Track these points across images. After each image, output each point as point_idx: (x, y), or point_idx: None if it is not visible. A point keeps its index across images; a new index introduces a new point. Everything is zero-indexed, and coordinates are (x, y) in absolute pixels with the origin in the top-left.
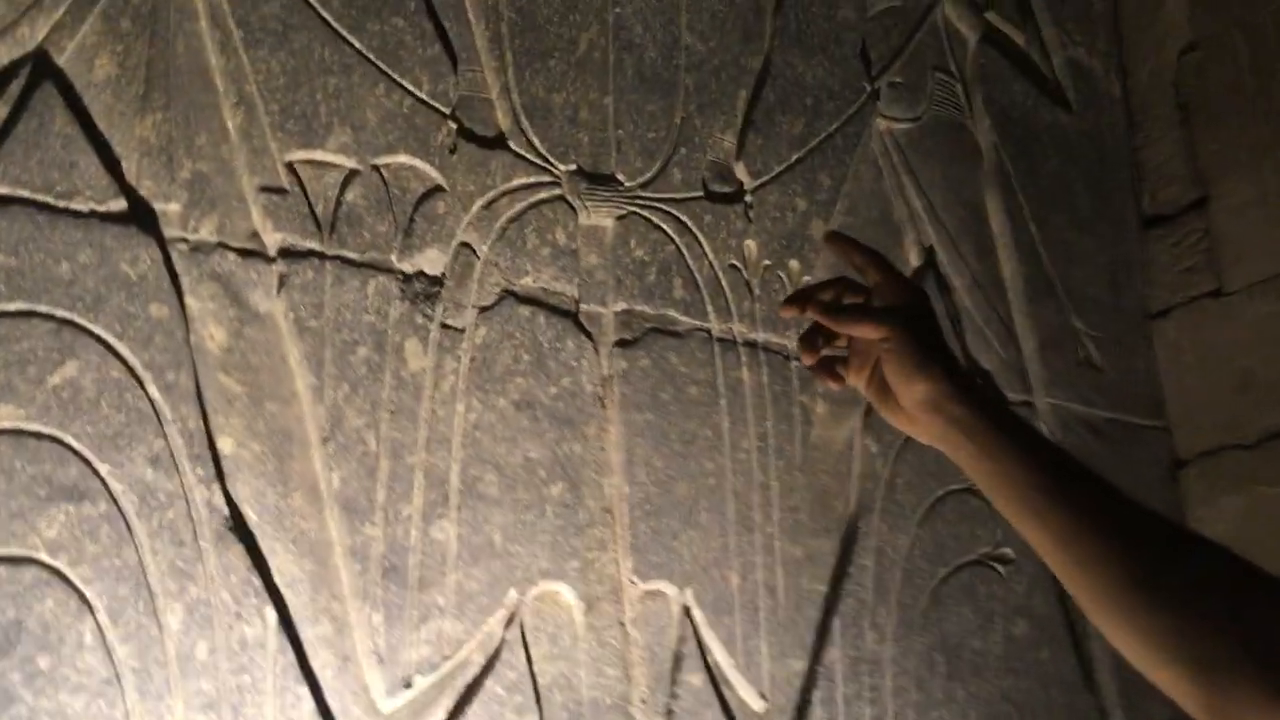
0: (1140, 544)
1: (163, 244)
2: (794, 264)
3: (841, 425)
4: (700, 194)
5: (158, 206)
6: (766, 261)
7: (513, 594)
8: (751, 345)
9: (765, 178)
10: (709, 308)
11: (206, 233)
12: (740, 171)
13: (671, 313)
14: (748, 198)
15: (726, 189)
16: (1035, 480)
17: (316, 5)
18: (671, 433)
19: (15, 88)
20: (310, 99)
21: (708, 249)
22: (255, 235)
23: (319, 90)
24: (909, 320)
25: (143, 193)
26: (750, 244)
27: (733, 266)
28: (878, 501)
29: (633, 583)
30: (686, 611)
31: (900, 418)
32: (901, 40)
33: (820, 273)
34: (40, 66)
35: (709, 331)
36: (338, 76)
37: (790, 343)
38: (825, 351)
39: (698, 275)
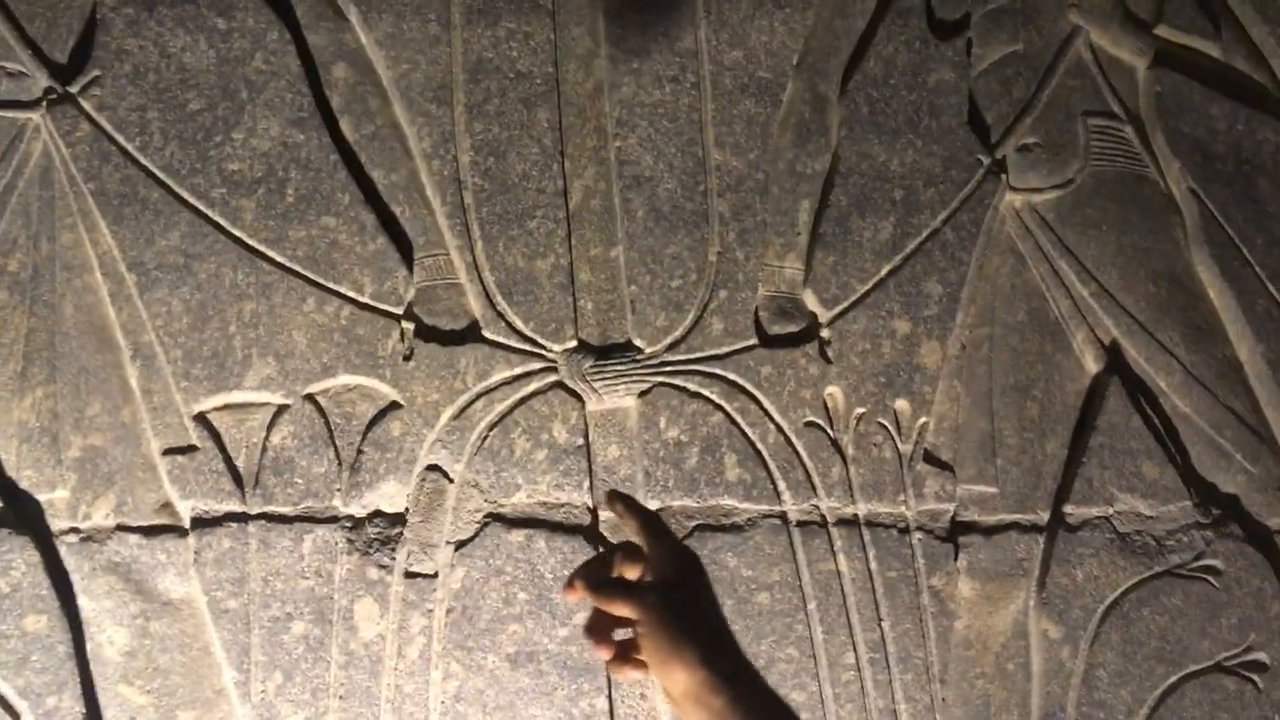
0: None
1: (46, 540)
2: (902, 404)
3: (1002, 608)
4: (753, 342)
5: (41, 497)
6: (860, 410)
7: None
8: (849, 523)
9: (846, 303)
10: (780, 485)
11: (101, 516)
12: (810, 301)
13: (726, 500)
14: (824, 333)
15: (792, 328)
16: None
17: (225, 224)
18: None
19: None
20: (221, 334)
21: (771, 409)
22: (166, 506)
23: (231, 322)
24: (664, 597)
25: (23, 484)
26: (834, 391)
27: (811, 425)
28: (1072, 707)
29: None
30: None
31: None
32: (1030, 90)
33: (938, 409)
34: None
35: (783, 516)
36: (254, 301)
37: (909, 510)
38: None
39: (760, 446)
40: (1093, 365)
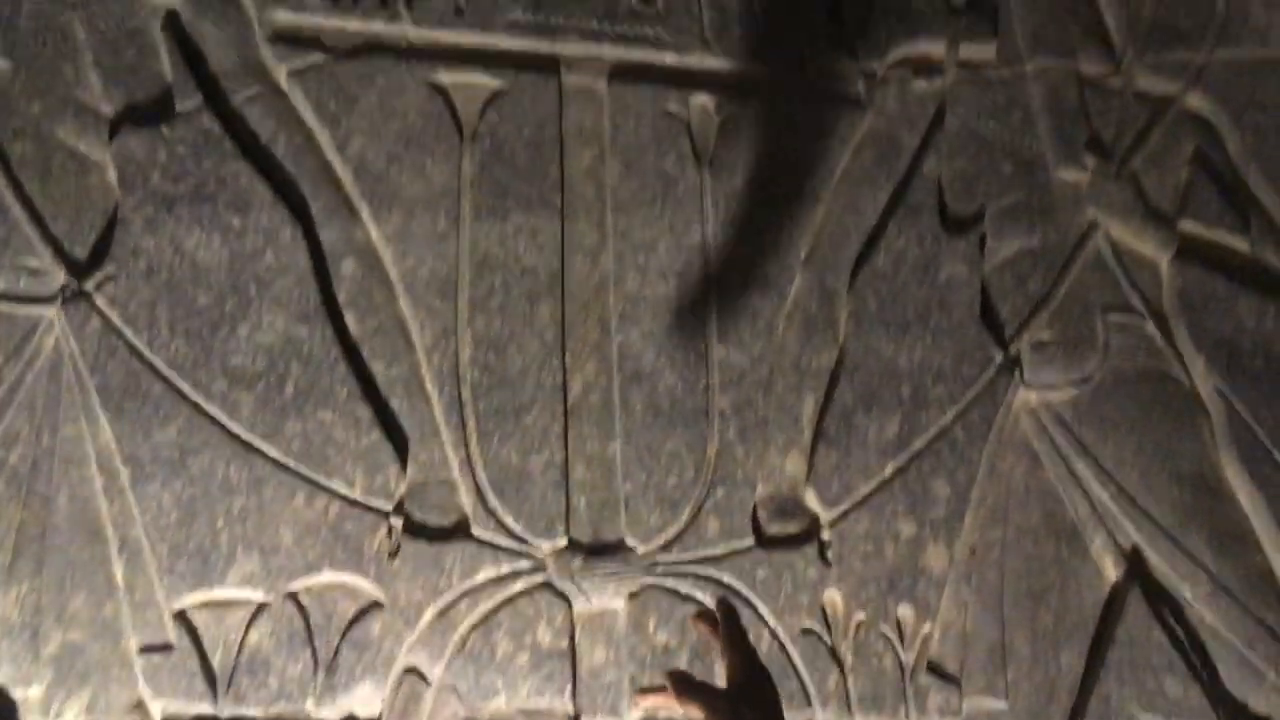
0: None
1: None
2: (905, 611)
3: None
4: (751, 542)
5: (17, 694)
6: (860, 616)
7: None
8: None
9: (848, 503)
10: None
11: (72, 715)
12: (812, 501)
13: None
14: (825, 534)
15: (791, 528)
16: None
17: (222, 418)
18: None
19: None
20: (209, 529)
21: (766, 614)
22: (139, 706)
23: (220, 517)
24: (733, 702)
25: (1, 680)
26: (833, 596)
27: (808, 632)
28: None
29: None
30: None
31: None
32: (1046, 285)
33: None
34: None
35: None
36: (244, 496)
37: None
38: None
39: None
40: (1112, 573)
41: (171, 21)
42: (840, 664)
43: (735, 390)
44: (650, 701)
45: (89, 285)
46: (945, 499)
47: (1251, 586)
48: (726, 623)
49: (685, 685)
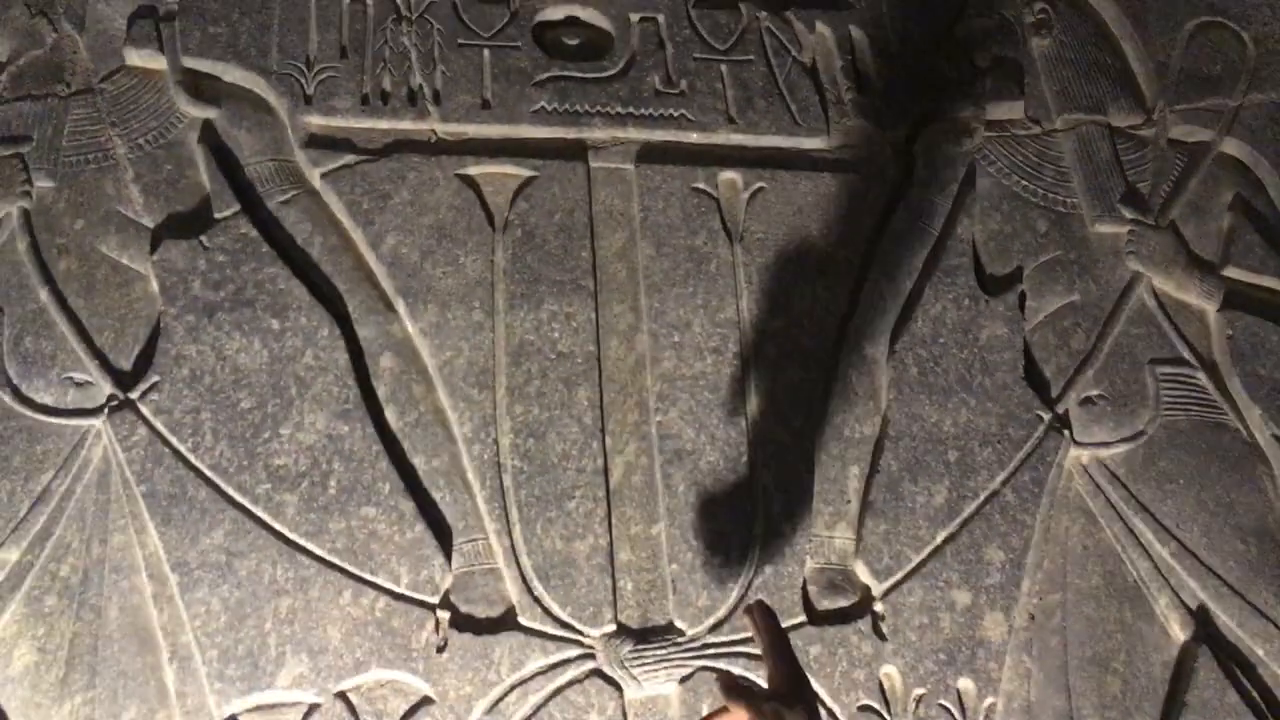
0: None
1: None
2: (966, 684)
3: None
4: (802, 619)
5: None
6: (919, 691)
7: None
8: None
9: (900, 574)
10: None
11: None
12: (862, 573)
13: None
14: (878, 607)
15: (842, 602)
16: None
17: (268, 519)
18: None
19: None
20: (257, 632)
21: (822, 692)
22: None
23: (268, 619)
24: (776, 709)
25: None
26: (890, 671)
27: (866, 709)
28: None
29: None
30: None
31: None
32: (1091, 340)
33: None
34: None
35: None
36: (291, 596)
37: None
38: None
39: None
40: (1179, 633)
41: (208, 132)
42: None
43: (778, 465)
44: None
45: (134, 395)
46: (1000, 565)
47: None
48: (766, 624)
49: (732, 685)
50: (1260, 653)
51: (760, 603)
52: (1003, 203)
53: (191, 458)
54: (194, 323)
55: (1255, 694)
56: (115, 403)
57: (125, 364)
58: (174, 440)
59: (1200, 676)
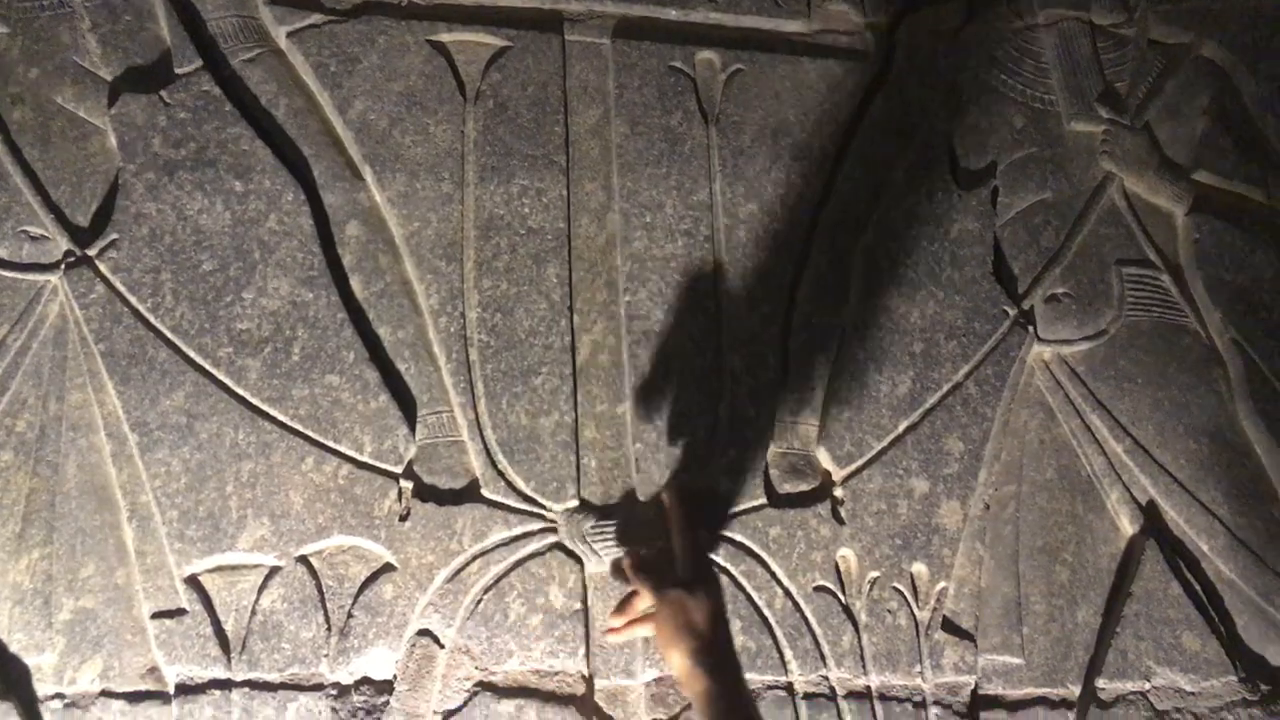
0: None
1: (30, 706)
2: (920, 568)
3: None
4: (763, 501)
5: (30, 661)
6: (874, 574)
7: None
8: (860, 696)
9: (861, 461)
10: (787, 654)
11: (87, 681)
12: (824, 459)
13: None
14: (838, 492)
15: (804, 487)
16: None
17: (229, 383)
18: None
19: None
20: (218, 494)
21: (779, 573)
22: (152, 671)
23: (229, 482)
24: (680, 595)
25: (13, 648)
26: (847, 554)
27: (821, 589)
28: None
29: None
30: None
31: None
32: (1060, 239)
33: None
34: None
35: (789, 688)
36: (253, 461)
37: (925, 682)
38: None
39: (766, 612)
40: (1128, 527)
41: None
42: (854, 622)
43: (746, 349)
44: (621, 631)
45: (92, 251)
46: (959, 455)
47: (1269, 538)
48: (678, 508)
49: (639, 567)
50: (1204, 548)
51: (676, 487)
52: (980, 96)
53: (151, 318)
54: (154, 181)
55: (1197, 587)
56: (72, 259)
57: (83, 220)
58: (133, 300)
59: (1146, 569)
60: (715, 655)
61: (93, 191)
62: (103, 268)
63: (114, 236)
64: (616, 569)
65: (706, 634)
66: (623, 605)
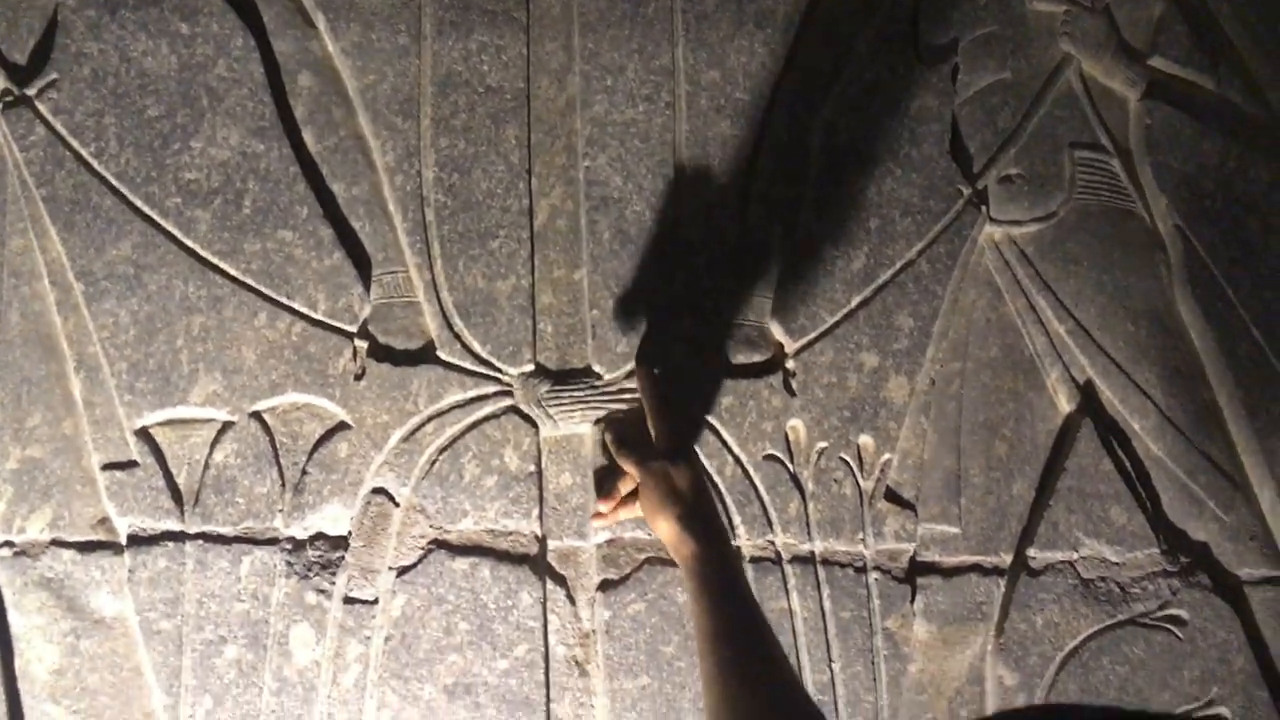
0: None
1: None
2: (866, 440)
3: (958, 652)
4: (716, 371)
5: None
6: (822, 444)
7: None
8: (804, 561)
9: (813, 334)
10: (735, 520)
11: (36, 530)
12: (777, 331)
13: None
14: (789, 364)
15: (756, 357)
16: (720, 632)
17: (178, 234)
18: (682, 700)
19: None
20: (168, 348)
21: (730, 441)
22: (103, 522)
23: (179, 335)
24: (662, 465)
25: None
26: (796, 424)
27: (771, 458)
28: None
29: None
30: None
31: None
32: (1016, 119)
33: (902, 445)
34: None
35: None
36: (204, 314)
37: (867, 549)
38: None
39: (717, 478)
40: (1065, 405)
41: None
42: (801, 490)
43: (704, 220)
44: (609, 516)
45: (30, 91)
46: (908, 331)
47: (1197, 420)
48: (650, 389)
49: (621, 441)
50: (1136, 427)
51: (644, 366)
52: None
53: (95, 164)
54: (95, 19)
55: (1128, 464)
56: (10, 98)
57: (20, 57)
58: (75, 143)
59: (1080, 445)
60: (701, 519)
61: (30, 27)
62: (42, 108)
63: (54, 76)
64: (602, 448)
65: (691, 500)
66: (603, 488)
